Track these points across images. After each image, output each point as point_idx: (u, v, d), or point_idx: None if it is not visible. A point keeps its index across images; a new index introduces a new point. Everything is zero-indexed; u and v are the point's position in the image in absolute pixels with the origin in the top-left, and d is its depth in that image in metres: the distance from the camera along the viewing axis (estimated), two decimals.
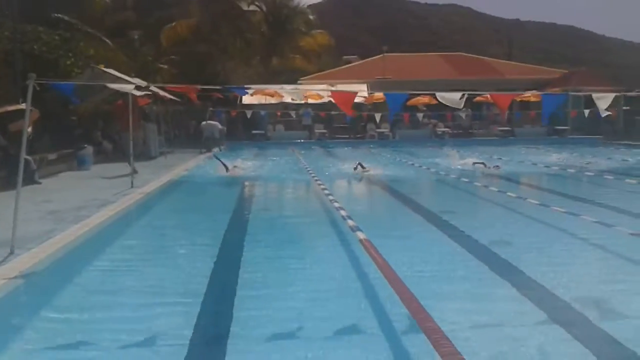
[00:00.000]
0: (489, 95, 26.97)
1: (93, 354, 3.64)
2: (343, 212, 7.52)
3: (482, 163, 14.38)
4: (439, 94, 7.38)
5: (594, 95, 6.68)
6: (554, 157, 17.31)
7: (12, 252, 5.58)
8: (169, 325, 4.06)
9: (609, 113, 7.10)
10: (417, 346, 3.48)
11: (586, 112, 20.14)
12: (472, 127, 27.99)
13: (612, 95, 6.72)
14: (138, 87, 11.50)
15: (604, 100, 6.68)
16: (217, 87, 13.57)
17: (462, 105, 7.62)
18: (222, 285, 5.01)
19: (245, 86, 12.06)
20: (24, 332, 3.98)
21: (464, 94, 6.96)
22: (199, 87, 9.33)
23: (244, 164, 14.73)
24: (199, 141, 21.81)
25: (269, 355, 3.58)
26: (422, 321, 3.55)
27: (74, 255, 5.86)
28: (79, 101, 13.33)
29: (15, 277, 4.79)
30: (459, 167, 14.65)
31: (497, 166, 14.32)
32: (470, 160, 15.35)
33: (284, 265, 5.75)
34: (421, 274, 5.19)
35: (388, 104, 8.18)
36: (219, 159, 14.06)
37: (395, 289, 4.20)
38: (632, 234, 6.24)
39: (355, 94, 7.28)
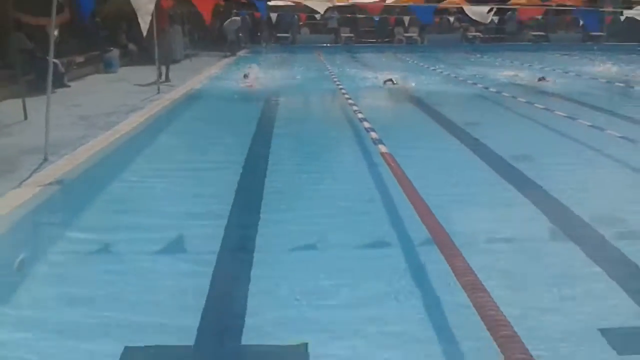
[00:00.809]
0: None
1: (124, 258, 3.88)
2: (366, 124, 7.59)
3: (543, 77, 12.97)
4: (466, 8, 7.17)
5: (625, 12, 6.37)
6: (599, 68, 15.93)
7: (46, 159, 5.79)
8: (198, 235, 4.28)
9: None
10: (432, 261, 3.62)
11: (622, 17, 19.17)
12: (504, 31, 26.98)
13: None
14: None
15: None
16: None
17: (489, 20, 7.39)
18: (247, 195, 5.21)
19: None
20: (59, 238, 4.18)
21: (492, 8, 6.73)
22: None
23: (266, 71, 14.24)
24: (223, 43, 21.53)
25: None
26: (437, 235, 3.71)
27: (106, 162, 6.08)
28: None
29: (51, 184, 5.02)
30: (501, 78, 13.62)
31: (544, 78, 13.02)
32: (509, 72, 14.24)
33: (305, 178, 5.89)
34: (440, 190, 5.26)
35: (417, 16, 7.96)
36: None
37: (413, 202, 4.34)
38: None
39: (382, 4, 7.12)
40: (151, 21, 10.98)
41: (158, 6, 10.23)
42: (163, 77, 11.92)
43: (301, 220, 4.48)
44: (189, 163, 6.31)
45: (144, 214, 4.58)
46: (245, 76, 12.77)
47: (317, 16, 26.78)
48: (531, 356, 2.29)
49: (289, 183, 5.54)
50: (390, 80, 12.50)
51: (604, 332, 2.87)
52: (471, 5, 7.29)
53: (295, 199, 4.97)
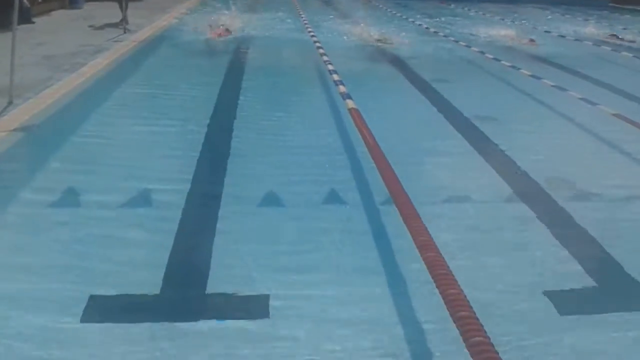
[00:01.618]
0: None
1: (96, 199, 3.96)
2: (336, 77, 7.59)
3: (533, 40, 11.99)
4: None
5: None
6: (585, 28, 15.50)
7: (10, 102, 5.71)
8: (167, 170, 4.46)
9: None
10: (390, 221, 3.79)
11: None
12: None
13: None
14: None
15: None
16: None
17: None
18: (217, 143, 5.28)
19: None
20: (28, 184, 4.20)
21: None
22: None
23: (231, 19, 12.75)
24: None
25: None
26: (396, 195, 3.87)
27: (71, 108, 6.01)
28: None
29: (15, 130, 4.98)
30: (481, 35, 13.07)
31: (533, 40, 12.04)
32: (495, 31, 13.39)
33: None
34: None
35: None
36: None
37: (377, 163, 4.47)
38: None
39: None
40: None
41: None
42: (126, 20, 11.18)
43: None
44: (154, 113, 6.19)
45: (105, 169, 4.56)
46: (211, 27, 11.36)
47: None
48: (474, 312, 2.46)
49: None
50: (383, 39, 11.25)
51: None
52: None
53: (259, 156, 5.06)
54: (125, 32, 10.29)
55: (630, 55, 11.25)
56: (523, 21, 16.35)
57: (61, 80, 6.67)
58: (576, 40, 13.13)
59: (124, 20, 10.91)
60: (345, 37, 11.90)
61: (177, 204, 3.93)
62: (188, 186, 4.21)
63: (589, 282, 3.27)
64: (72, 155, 4.78)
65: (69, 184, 4.12)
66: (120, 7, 11.16)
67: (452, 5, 21.45)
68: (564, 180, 4.81)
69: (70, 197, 3.96)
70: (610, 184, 4.77)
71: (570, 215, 4.11)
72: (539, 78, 8.40)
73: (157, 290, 2.93)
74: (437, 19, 16.59)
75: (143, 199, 4.00)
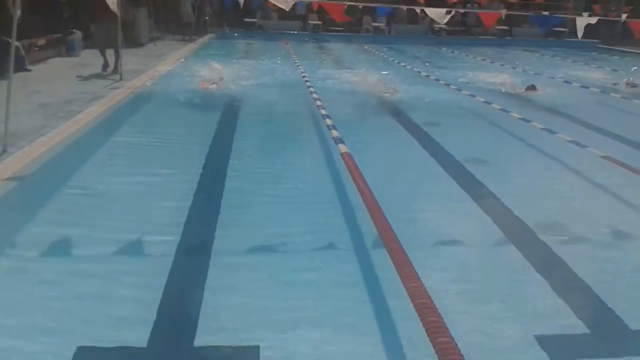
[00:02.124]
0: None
1: (88, 253, 3.95)
2: (329, 121, 7.67)
3: (532, 86, 11.58)
4: (427, 9, 7.37)
5: (578, 19, 6.60)
6: (589, 74, 15.00)
7: (4, 151, 5.75)
8: (158, 222, 4.43)
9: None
10: (381, 265, 3.79)
11: (585, 14, 19.74)
12: (474, 24, 27.26)
13: (595, 19, 6.63)
14: None
15: (584, 22, 6.55)
16: None
17: (445, 21, 7.63)
18: (209, 192, 5.30)
19: None
20: (16, 237, 4.21)
21: (449, 11, 6.95)
22: None
23: (226, 67, 12.58)
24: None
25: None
26: (387, 241, 3.87)
27: (64, 157, 6.03)
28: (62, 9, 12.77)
29: (8, 179, 4.99)
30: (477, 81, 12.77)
31: (533, 86, 11.62)
32: (493, 76, 12.98)
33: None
34: None
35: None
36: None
37: (369, 208, 4.49)
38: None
39: (344, 4, 7.26)
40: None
41: None
42: (111, 66, 11.38)
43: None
44: (147, 162, 6.19)
45: (98, 218, 4.58)
46: (205, 76, 11.13)
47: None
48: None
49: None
50: (392, 88, 10.78)
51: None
52: (431, 7, 7.40)
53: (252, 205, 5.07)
54: (121, 79, 10.42)
55: (620, 97, 11.37)
56: (514, 65, 16.63)
57: (56, 129, 6.71)
58: (566, 82, 13.32)
59: (116, 66, 11.09)
60: (339, 83, 11.94)
61: (167, 255, 3.92)
62: (178, 238, 4.21)
63: (581, 328, 3.26)
64: (63, 207, 4.80)
65: (57, 237, 4.15)
66: (103, 54, 11.46)
67: (443, 49, 21.89)
68: (554, 223, 4.83)
69: (57, 251, 3.96)
70: (600, 228, 4.80)
71: (561, 259, 4.12)
72: (528, 121, 8.49)
73: (144, 344, 2.90)
74: (430, 63, 16.89)
75: (132, 252, 4.01)
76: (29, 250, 3.93)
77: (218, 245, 4.15)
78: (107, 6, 10.15)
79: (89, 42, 15.61)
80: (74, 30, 14.39)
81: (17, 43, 9.70)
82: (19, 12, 6.35)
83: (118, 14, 10.79)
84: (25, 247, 4.01)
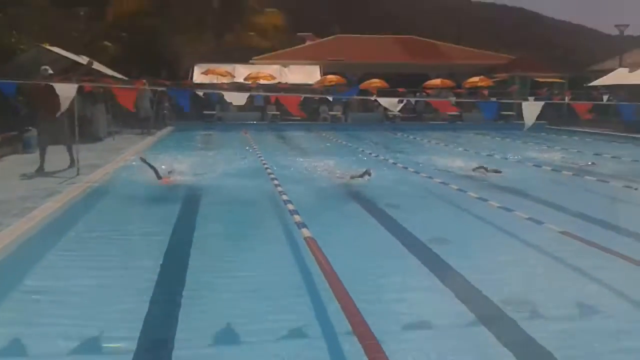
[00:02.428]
0: (439, 81, 27.73)
1: (42, 352, 3.76)
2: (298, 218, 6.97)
3: (483, 167, 11.66)
4: (380, 99, 7.67)
5: (524, 104, 6.96)
6: (540, 153, 15.58)
7: None
8: (116, 320, 4.25)
9: (530, 124, 7.32)
10: (351, 351, 3.68)
11: (530, 99, 20.80)
12: (424, 111, 28.36)
13: (541, 104, 7.00)
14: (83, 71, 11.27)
15: (533, 109, 6.92)
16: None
17: (398, 109, 7.94)
18: (170, 286, 5.14)
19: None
20: None
21: (401, 100, 7.25)
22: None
23: (185, 159, 12.63)
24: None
25: None
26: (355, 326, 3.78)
27: (18, 255, 5.81)
28: (19, 106, 12.84)
29: None
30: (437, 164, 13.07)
31: (498, 171, 11.54)
32: (457, 162, 13.11)
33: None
34: None
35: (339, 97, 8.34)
36: (148, 164, 10.59)
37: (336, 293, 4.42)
38: None
39: (299, 97, 7.51)
40: (49, 102, 10.52)
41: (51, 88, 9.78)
42: (44, 166, 10.98)
43: None
44: (105, 259, 5.99)
45: (52, 317, 4.39)
46: (163, 169, 10.61)
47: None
48: None
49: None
50: (367, 172, 10.41)
51: None
52: (384, 95, 7.72)
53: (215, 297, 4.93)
54: (78, 174, 10.30)
55: (572, 174, 11.74)
56: (468, 147, 17.21)
57: (10, 226, 6.50)
58: (518, 162, 13.80)
59: (72, 161, 11.07)
60: (301, 170, 12.02)
61: (127, 352, 3.73)
62: (137, 334, 4.02)
63: None
64: (17, 306, 4.59)
65: (10, 337, 3.94)
66: (42, 154, 11.13)
67: (399, 134, 22.58)
68: (519, 300, 4.83)
69: (10, 352, 3.75)
70: (565, 302, 4.82)
71: (529, 336, 4.08)
72: (485, 200, 8.66)
73: None
74: (387, 148, 17.35)
75: (89, 351, 3.82)
76: None
77: (180, 339, 3.97)
78: (55, 101, 10.13)
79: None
80: (30, 127, 14.30)
81: None
82: None
83: (75, 112, 10.86)
84: None
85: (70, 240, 6.69)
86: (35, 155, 13.02)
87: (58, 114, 10.08)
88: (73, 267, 5.63)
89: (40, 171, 10.85)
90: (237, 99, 7.81)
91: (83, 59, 17.03)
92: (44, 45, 16.00)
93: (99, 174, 10.62)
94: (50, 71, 11.41)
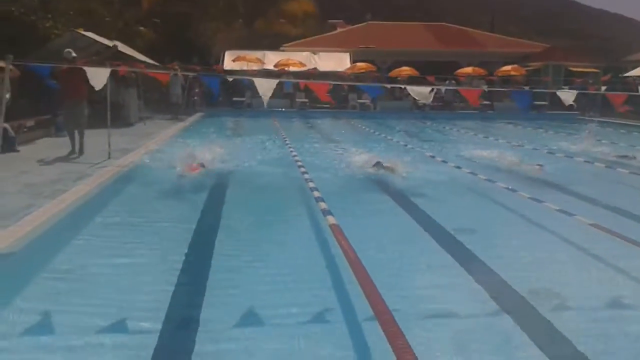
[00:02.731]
0: (471, 69, 27.37)
1: (71, 331, 3.83)
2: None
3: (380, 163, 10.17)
4: (409, 87, 7.55)
5: (558, 92, 6.77)
6: (572, 144, 14.43)
7: None
8: (144, 307, 4.28)
9: (572, 104, 7.02)
10: (374, 341, 3.68)
11: (565, 88, 20.42)
12: (454, 100, 28.04)
13: (575, 92, 6.81)
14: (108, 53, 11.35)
15: (568, 95, 6.72)
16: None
17: (430, 99, 7.75)
18: (196, 269, 5.21)
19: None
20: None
21: (432, 89, 7.11)
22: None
23: (214, 146, 11.98)
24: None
25: None
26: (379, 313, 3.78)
27: (49, 235, 5.94)
28: (54, 84, 12.94)
29: None
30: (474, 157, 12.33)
31: (540, 165, 10.63)
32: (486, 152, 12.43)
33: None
34: None
35: (367, 92, 8.24)
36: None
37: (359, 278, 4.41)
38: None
39: (329, 85, 7.48)
40: (72, 85, 10.78)
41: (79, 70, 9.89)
42: (76, 149, 11.14)
43: None
44: (132, 243, 6.04)
45: (81, 298, 4.48)
46: (190, 158, 9.96)
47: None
48: None
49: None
50: (379, 163, 9.92)
51: None
52: (415, 83, 7.60)
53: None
54: (109, 158, 10.47)
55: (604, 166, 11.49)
56: (498, 137, 16.96)
57: (41, 208, 6.65)
58: (550, 153, 13.52)
59: (81, 148, 11.13)
60: (330, 159, 11.71)
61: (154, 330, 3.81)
62: (163, 315, 4.09)
63: None
64: (46, 287, 4.69)
65: (39, 316, 4.04)
66: (71, 138, 11.22)
67: (429, 123, 22.36)
68: (547, 291, 4.76)
69: (38, 330, 3.85)
70: (594, 294, 4.74)
71: (555, 328, 4.02)
72: (514, 191, 8.52)
73: None
74: (418, 137, 17.18)
75: (116, 330, 3.89)
76: (10, 328, 3.84)
77: (205, 320, 4.03)
78: (78, 87, 10.38)
79: None
80: (62, 112, 14.57)
81: (6, 125, 9.87)
82: (8, 96, 6.44)
83: (108, 97, 11.02)
84: (6, 325, 3.90)
85: (98, 223, 6.79)
86: (67, 139, 13.31)
87: (82, 100, 10.52)
88: (99, 252, 5.69)
89: (72, 154, 11.01)
90: (267, 88, 7.77)
91: (115, 44, 17.29)
92: (78, 31, 16.22)
93: (130, 159, 10.76)
94: (74, 54, 11.35)
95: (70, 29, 16.53)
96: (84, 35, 16.11)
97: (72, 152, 11.09)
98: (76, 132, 11.21)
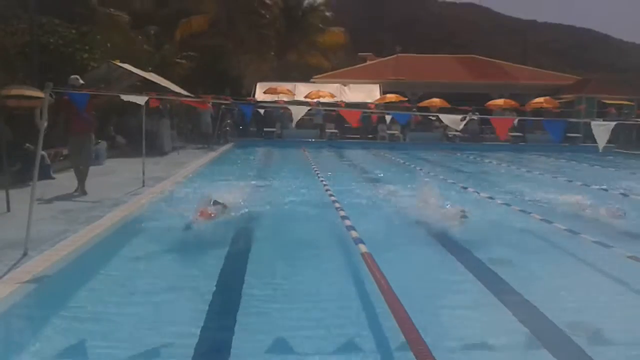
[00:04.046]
0: (502, 101, 27.18)
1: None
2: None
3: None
4: (441, 115, 7.50)
5: (593, 124, 6.64)
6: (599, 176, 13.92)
7: (25, 254, 5.79)
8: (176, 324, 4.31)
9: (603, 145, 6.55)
10: None
11: (599, 120, 20.00)
12: (482, 131, 27.88)
13: (612, 124, 6.65)
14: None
15: (603, 130, 6.54)
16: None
17: (461, 127, 7.56)
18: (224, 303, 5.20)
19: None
20: (33, 339, 4.17)
21: (464, 117, 7.03)
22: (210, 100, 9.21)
23: (244, 185, 11.50)
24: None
25: None
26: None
27: (84, 260, 6.03)
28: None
29: (28, 282, 4.95)
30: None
31: (620, 211, 8.77)
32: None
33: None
34: None
35: (395, 118, 8.20)
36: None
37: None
38: None
39: (360, 112, 7.50)
40: (75, 117, 9.81)
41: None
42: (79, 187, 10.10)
43: None
44: (163, 275, 5.94)
45: (120, 313, 4.53)
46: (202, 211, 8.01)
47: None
48: None
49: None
50: (462, 212, 7.92)
51: None
52: (446, 112, 7.53)
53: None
54: (143, 186, 10.63)
55: None
56: (530, 169, 16.68)
57: (76, 233, 6.75)
58: (584, 185, 13.18)
59: (80, 189, 10.04)
60: (369, 197, 10.74)
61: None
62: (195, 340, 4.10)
63: None
64: (78, 312, 4.72)
65: (70, 340, 4.09)
66: (77, 173, 10.20)
67: (459, 154, 22.19)
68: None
69: (70, 354, 3.90)
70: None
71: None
72: (550, 222, 8.33)
73: None
74: (448, 167, 17.03)
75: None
76: (44, 351, 3.88)
77: (236, 347, 4.01)
78: (85, 119, 9.73)
79: (114, 151, 16.21)
80: (100, 140, 14.91)
81: (42, 152, 10.11)
82: (45, 124, 6.60)
83: (143, 126, 11.20)
84: (41, 346, 3.97)
85: (132, 250, 6.84)
86: (105, 166, 13.60)
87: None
88: (130, 282, 5.67)
89: (82, 193, 9.91)
90: (299, 111, 7.64)
91: (152, 76, 17.69)
92: (114, 62, 16.66)
93: (163, 187, 10.91)
94: (81, 81, 10.51)
95: (107, 60, 17.00)
96: (119, 66, 16.54)
97: (82, 191, 10.03)
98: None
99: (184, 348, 3.96)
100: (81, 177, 10.11)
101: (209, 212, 7.92)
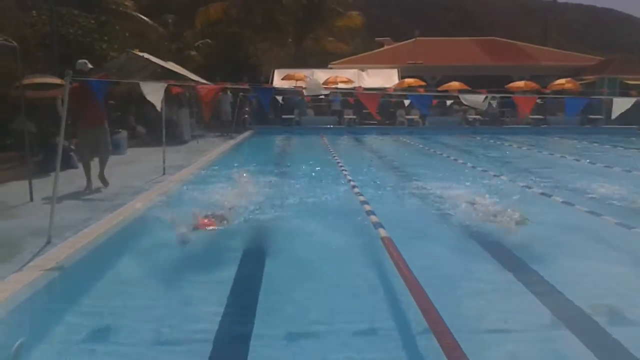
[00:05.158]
0: (523, 83, 26.82)
1: (124, 350, 3.90)
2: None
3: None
4: (462, 96, 7.42)
5: (614, 99, 6.51)
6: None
7: (49, 242, 5.87)
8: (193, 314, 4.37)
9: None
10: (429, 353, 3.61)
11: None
12: (503, 114, 27.56)
13: (633, 100, 6.51)
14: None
15: (623, 102, 6.38)
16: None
17: (485, 107, 7.55)
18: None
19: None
20: (57, 325, 4.25)
21: (486, 97, 6.93)
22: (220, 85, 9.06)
23: (255, 176, 10.89)
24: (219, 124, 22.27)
25: None
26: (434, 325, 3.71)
27: (106, 247, 6.11)
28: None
29: (52, 269, 5.00)
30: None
31: None
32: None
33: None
34: None
35: (414, 105, 8.12)
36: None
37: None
38: None
39: (379, 95, 7.44)
40: (85, 107, 9.11)
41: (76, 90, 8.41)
42: (92, 184, 9.33)
43: None
44: (186, 264, 5.90)
45: (141, 300, 4.60)
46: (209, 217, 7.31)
47: (322, 97, 27.44)
48: None
49: None
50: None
51: None
52: (466, 94, 7.43)
53: None
54: (164, 174, 10.72)
55: None
56: (553, 152, 16.44)
57: (99, 220, 6.84)
58: (607, 167, 13.03)
59: (102, 180, 9.52)
60: (396, 189, 10.29)
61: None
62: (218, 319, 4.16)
63: None
64: (102, 298, 4.81)
65: (95, 326, 4.19)
66: (87, 170, 9.40)
67: (478, 138, 21.97)
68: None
69: (94, 339, 3.98)
70: None
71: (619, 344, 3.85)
72: (572, 205, 8.25)
73: None
74: (468, 150, 16.88)
75: (168, 343, 3.97)
76: (68, 336, 3.97)
77: (256, 336, 4.05)
78: (95, 109, 9.12)
79: (134, 141, 16.35)
80: (120, 130, 15.07)
81: (65, 142, 10.21)
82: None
83: (163, 115, 11.21)
84: (64, 334, 4.04)
85: (154, 237, 6.90)
86: (126, 156, 13.72)
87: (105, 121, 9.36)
88: (153, 269, 5.74)
89: (89, 189, 9.22)
90: (317, 90, 7.65)
91: (171, 65, 17.75)
92: (133, 51, 16.73)
93: (184, 174, 10.99)
94: (90, 65, 9.72)
95: (126, 50, 17.08)
96: (139, 55, 16.60)
97: (89, 187, 9.26)
98: (92, 160, 9.59)
99: (206, 333, 4.02)
100: (101, 169, 9.57)
101: (206, 223, 7.08)
